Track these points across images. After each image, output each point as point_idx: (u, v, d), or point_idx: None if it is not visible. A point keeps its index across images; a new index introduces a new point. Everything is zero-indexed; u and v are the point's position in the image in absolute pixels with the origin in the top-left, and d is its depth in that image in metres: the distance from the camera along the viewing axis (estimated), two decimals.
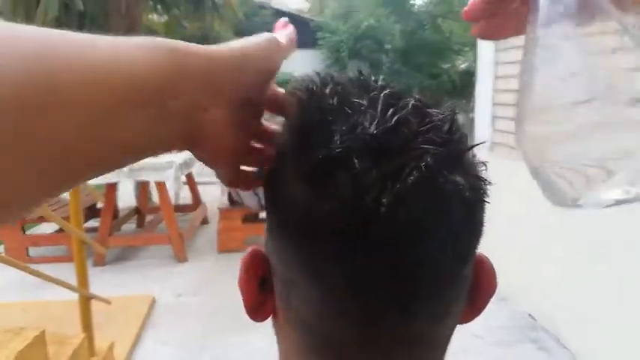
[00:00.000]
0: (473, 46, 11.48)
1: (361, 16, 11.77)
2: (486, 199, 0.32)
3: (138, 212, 5.00)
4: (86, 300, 2.21)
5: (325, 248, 0.30)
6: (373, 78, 0.34)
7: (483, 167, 0.33)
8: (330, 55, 12.44)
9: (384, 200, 0.28)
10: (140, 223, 4.97)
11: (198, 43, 0.29)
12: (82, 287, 2.19)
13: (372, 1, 12.12)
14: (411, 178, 0.28)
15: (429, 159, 0.28)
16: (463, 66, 12.62)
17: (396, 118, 0.30)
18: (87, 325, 2.19)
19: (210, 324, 2.96)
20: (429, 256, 0.30)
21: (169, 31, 6.90)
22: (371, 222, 0.28)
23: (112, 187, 4.03)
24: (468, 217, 0.31)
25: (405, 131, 0.29)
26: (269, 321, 0.38)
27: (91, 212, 4.58)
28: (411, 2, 13.12)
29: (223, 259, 4.08)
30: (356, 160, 0.28)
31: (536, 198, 0.34)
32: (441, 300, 0.33)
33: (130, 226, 4.88)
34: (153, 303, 3.25)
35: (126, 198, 5.14)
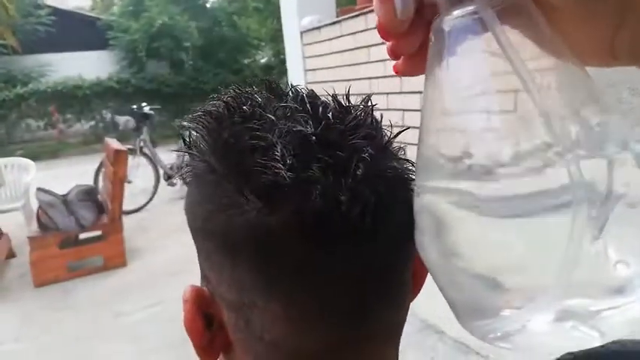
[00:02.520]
0: (270, 41, 11.96)
1: (153, 14, 11.21)
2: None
3: None
4: None
5: (287, 260, 0.29)
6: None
7: (402, 151, 0.33)
8: (126, 55, 11.68)
9: (342, 198, 0.27)
10: None
11: None
12: None
13: None
14: (359, 171, 0.28)
15: (370, 150, 0.28)
16: (263, 60, 13.09)
17: (329, 114, 0.29)
18: None
19: None
20: (392, 238, 0.30)
21: None
22: (331, 222, 0.28)
23: None
24: (407, 198, 0.32)
25: (340, 127, 0.29)
26: None
27: None
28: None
29: (43, 293, 3.58)
30: (312, 166, 0.27)
31: None
32: (403, 283, 0.33)
33: None
34: None
35: None
